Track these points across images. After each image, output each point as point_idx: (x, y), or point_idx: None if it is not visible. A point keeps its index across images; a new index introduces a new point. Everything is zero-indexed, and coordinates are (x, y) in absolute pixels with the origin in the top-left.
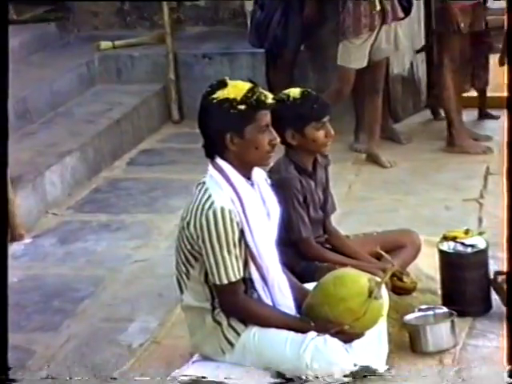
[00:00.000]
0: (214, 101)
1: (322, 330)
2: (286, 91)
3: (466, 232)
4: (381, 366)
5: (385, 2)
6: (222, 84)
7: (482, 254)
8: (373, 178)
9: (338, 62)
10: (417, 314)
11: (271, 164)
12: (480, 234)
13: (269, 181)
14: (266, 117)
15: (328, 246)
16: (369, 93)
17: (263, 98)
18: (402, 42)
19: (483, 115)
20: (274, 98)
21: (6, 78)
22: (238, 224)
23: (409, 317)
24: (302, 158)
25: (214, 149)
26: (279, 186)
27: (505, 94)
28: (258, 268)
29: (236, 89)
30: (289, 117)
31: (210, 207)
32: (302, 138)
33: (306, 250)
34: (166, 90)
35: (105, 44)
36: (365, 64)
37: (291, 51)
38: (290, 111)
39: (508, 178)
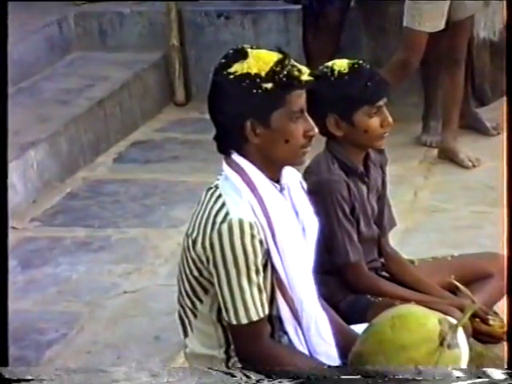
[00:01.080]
0: (231, 77)
1: None
2: (330, 64)
3: None
4: None
5: None
6: (242, 54)
7: None
8: (448, 183)
9: (403, 23)
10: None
11: (307, 162)
12: None
13: (304, 185)
14: (299, 99)
15: (385, 273)
16: (446, 65)
17: (297, 73)
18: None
19: None
20: (311, 74)
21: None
22: (261, 243)
23: (497, 374)
24: (349, 154)
25: (229, 142)
26: (318, 191)
27: None
28: (289, 303)
29: (260, 61)
30: (332, 99)
31: (224, 220)
32: (350, 127)
33: (355, 278)
34: (167, 61)
35: None
36: (442, 26)
37: (338, 8)
38: (334, 91)
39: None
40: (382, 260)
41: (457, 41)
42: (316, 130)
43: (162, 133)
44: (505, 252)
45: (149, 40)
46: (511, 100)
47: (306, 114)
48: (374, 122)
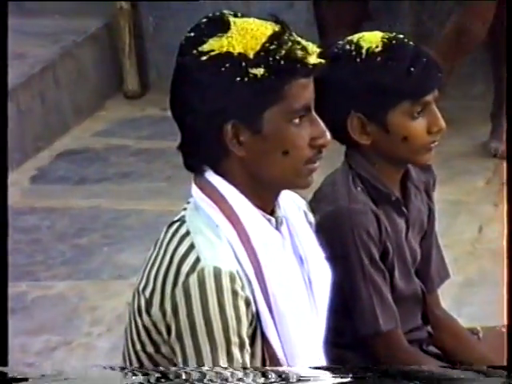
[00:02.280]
0: (204, 58)
1: None
2: (354, 38)
3: None
4: None
5: None
6: (221, 24)
7: None
8: None
9: None
10: None
11: (316, 184)
12: None
13: (312, 217)
14: (304, 91)
15: (433, 348)
16: None
17: (300, 52)
18: None
19: None
20: (323, 54)
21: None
22: (248, 302)
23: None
24: (380, 172)
25: (202, 154)
26: (333, 227)
27: None
28: None
29: (247, 35)
30: (357, 90)
31: (192, 269)
32: (383, 132)
33: (388, 355)
34: (113, 32)
35: None
36: None
37: None
38: (359, 79)
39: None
40: (430, 329)
41: None
42: (328, 136)
43: (104, 138)
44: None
45: (84, 1)
46: (511, 100)
47: (314, 113)
48: (419, 125)
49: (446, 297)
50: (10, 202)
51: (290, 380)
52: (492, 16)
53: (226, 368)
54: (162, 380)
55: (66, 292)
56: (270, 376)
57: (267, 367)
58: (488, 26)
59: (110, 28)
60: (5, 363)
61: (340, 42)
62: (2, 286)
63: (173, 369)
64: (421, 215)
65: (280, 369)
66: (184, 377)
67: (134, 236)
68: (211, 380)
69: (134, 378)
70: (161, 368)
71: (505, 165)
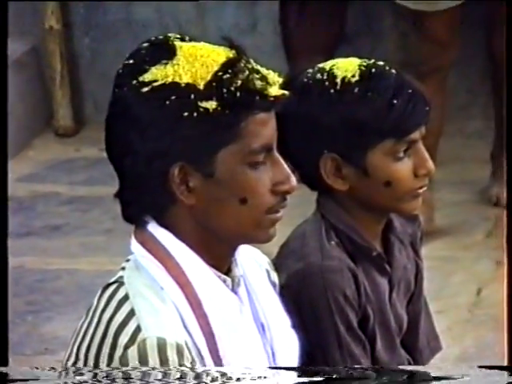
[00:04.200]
0: (145, 89)
1: None
2: (328, 65)
3: None
4: None
5: None
6: (165, 49)
7: None
8: None
9: None
10: None
11: (281, 237)
12: None
13: (275, 277)
14: (264, 128)
15: None
16: None
17: (259, 83)
18: None
19: None
20: (286, 84)
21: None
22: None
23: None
24: (358, 222)
25: (143, 202)
26: (302, 288)
27: None
28: None
29: (196, 62)
30: (331, 126)
31: (131, 340)
32: (362, 175)
33: None
34: (41, 56)
35: None
36: (446, 4)
37: None
38: (334, 113)
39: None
40: None
41: None
42: (294, 180)
43: (30, 184)
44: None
45: (10, 20)
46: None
47: (277, 154)
48: (404, 167)
49: (438, 373)
50: None
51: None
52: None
53: None
54: None
55: None
56: None
57: None
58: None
59: (38, 52)
60: (5, 364)
61: (310, 70)
62: (2, 286)
63: None
64: (407, 274)
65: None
66: None
67: (64, 302)
68: None
69: None
70: None
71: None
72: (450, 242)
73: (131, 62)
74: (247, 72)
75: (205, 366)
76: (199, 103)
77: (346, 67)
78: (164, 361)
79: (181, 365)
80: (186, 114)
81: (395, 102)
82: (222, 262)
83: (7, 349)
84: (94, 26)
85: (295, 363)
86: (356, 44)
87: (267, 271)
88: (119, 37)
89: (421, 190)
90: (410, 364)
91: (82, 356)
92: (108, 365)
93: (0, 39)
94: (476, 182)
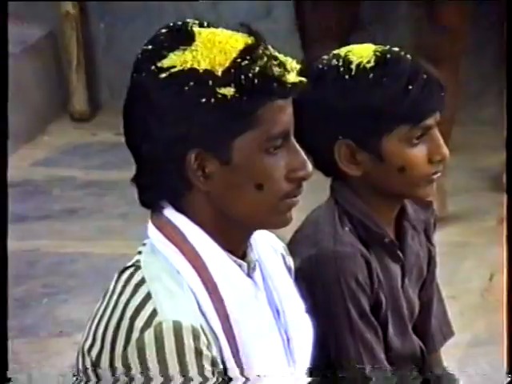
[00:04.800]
0: (164, 75)
1: None
2: (343, 51)
3: None
4: None
5: None
6: (184, 35)
7: None
8: None
9: None
10: None
11: (295, 222)
12: None
13: (291, 261)
14: (281, 115)
15: None
16: None
17: (277, 70)
18: None
19: None
20: (304, 71)
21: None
22: (214, 362)
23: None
24: (372, 208)
25: (160, 187)
26: (316, 273)
27: None
28: None
29: (215, 48)
30: (346, 112)
31: (147, 323)
32: (376, 161)
33: None
34: (58, 41)
35: None
36: None
37: None
38: (349, 99)
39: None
40: None
41: None
42: (310, 167)
43: (46, 168)
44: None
45: (24, 5)
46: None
47: (294, 140)
48: (418, 153)
49: (450, 358)
50: None
51: None
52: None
53: None
54: None
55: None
56: None
57: None
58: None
59: (54, 37)
60: (5, 363)
61: (326, 57)
62: (2, 286)
63: None
64: (419, 260)
65: None
66: None
67: (79, 285)
68: None
69: None
70: None
71: None
72: (463, 227)
73: (150, 47)
74: (265, 59)
75: (220, 349)
76: (217, 89)
77: (361, 53)
78: (180, 344)
79: (197, 350)
80: (203, 100)
81: (410, 87)
82: (237, 247)
83: (7, 350)
84: (109, 11)
85: (309, 348)
86: (370, 31)
87: (283, 256)
88: (135, 22)
89: (435, 176)
90: (421, 350)
91: (98, 338)
92: (124, 347)
93: (0, 39)
94: (489, 169)
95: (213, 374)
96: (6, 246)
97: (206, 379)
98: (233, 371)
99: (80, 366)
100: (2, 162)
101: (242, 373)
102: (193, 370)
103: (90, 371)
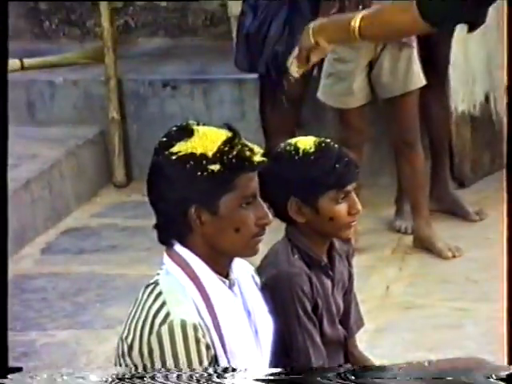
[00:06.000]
0: (173, 157)
1: None
2: (293, 141)
3: None
4: None
5: None
6: (186, 132)
7: None
8: (424, 275)
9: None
10: None
11: (261, 253)
12: None
13: (257, 279)
14: (251, 182)
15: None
16: (399, 149)
17: (248, 153)
18: (416, 77)
19: None
20: (268, 153)
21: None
22: (208, 347)
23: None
24: (312, 243)
25: (171, 230)
26: (275, 286)
27: None
28: None
29: (206, 140)
30: (295, 181)
31: (163, 321)
32: (314, 213)
33: None
34: (106, 137)
35: (10, 63)
36: (355, 104)
37: (298, 78)
38: (297, 172)
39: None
40: (349, 365)
41: (399, 121)
42: (271, 217)
43: (98, 218)
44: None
45: (84, 113)
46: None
47: (259, 198)
48: (342, 208)
49: (362, 340)
50: (24, 269)
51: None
52: (359, 126)
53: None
54: None
55: (66, 339)
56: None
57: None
58: (362, 135)
59: (104, 134)
60: (5, 364)
61: (281, 144)
62: (2, 287)
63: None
64: (343, 277)
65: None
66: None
67: (120, 294)
68: None
69: None
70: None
71: (406, 238)
72: (369, 256)
73: (164, 139)
74: (240, 146)
75: (211, 337)
76: (208, 166)
77: (305, 143)
78: (185, 335)
79: (196, 339)
80: (199, 173)
81: (337, 166)
82: (223, 270)
83: (7, 350)
84: (140, 117)
85: (270, 337)
86: (308, 129)
87: (252, 276)
88: (155, 125)
89: (353, 223)
90: (344, 336)
91: (132, 330)
92: (149, 337)
93: (0, 39)
94: (385, 217)
95: (207, 356)
96: (7, 246)
97: (201, 360)
98: (220, 353)
99: (119, 350)
100: (1, 161)
101: (225, 354)
102: (193, 353)
103: (126, 355)
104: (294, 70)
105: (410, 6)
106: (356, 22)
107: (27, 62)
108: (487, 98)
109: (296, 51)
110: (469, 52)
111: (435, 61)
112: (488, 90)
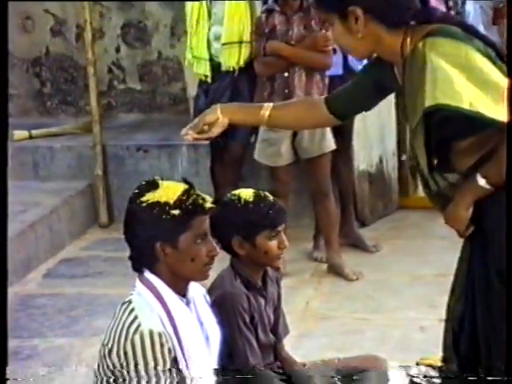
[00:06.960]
0: (143, 205)
1: None
2: (236, 192)
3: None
4: None
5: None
6: (153, 185)
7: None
8: (335, 293)
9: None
10: None
11: (212, 278)
12: None
13: (208, 298)
14: (203, 224)
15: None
16: (316, 197)
17: (200, 201)
18: (329, 143)
19: None
20: (217, 201)
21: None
22: (170, 351)
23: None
24: (250, 270)
25: (142, 261)
26: (221, 303)
27: None
28: None
29: (168, 191)
30: (237, 223)
31: (136, 331)
32: (252, 248)
33: None
34: (93, 188)
35: (19, 134)
36: (282, 162)
37: (240, 143)
38: (239, 216)
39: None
40: (278, 363)
41: (316, 176)
42: (218, 250)
43: (87, 251)
44: (504, 254)
45: (76, 170)
46: (511, 103)
47: (209, 236)
48: (273, 244)
49: (287, 344)
50: (29, 290)
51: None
52: (287, 181)
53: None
54: None
55: (62, 344)
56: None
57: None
58: (289, 188)
59: (91, 186)
60: (5, 364)
61: (227, 194)
62: (2, 289)
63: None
64: (273, 296)
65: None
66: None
67: (104, 310)
68: None
69: None
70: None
71: (321, 266)
72: (292, 279)
73: (136, 191)
74: (195, 195)
75: (173, 343)
76: (170, 211)
77: (247, 194)
78: (152, 341)
79: (161, 344)
80: (163, 216)
81: (270, 211)
82: (181, 291)
83: (6, 350)
84: (119, 173)
85: (218, 344)
86: (248, 182)
87: (204, 295)
88: (130, 179)
89: (282, 255)
90: (274, 341)
91: (111, 337)
92: (124, 343)
93: (0, 39)
94: (305, 249)
95: (169, 358)
96: (6, 247)
97: (165, 360)
98: (179, 355)
99: (102, 353)
100: (1, 162)
101: (183, 356)
102: (159, 354)
103: (107, 357)
104: (186, 135)
105: (319, 103)
106: (266, 111)
107: (34, 132)
108: (381, 160)
109: (195, 122)
110: (367, 125)
111: (343, 131)
112: (381, 153)
